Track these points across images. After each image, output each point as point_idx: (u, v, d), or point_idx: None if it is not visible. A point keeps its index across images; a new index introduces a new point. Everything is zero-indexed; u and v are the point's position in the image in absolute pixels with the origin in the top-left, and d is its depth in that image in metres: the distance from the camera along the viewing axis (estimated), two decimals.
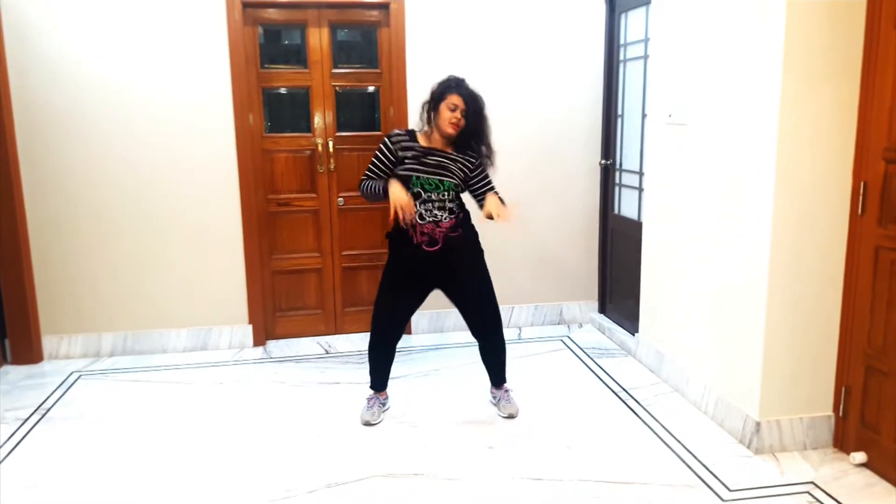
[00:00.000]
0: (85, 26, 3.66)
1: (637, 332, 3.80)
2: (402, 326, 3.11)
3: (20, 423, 3.13)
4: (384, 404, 3.16)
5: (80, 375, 3.68)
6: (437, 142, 2.92)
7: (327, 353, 3.99)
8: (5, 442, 2.94)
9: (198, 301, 4.00)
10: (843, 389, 2.73)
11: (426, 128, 2.95)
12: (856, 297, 2.64)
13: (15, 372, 3.74)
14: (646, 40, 3.72)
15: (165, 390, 3.48)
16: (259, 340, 4.10)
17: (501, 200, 2.96)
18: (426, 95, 2.96)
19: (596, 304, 4.47)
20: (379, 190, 2.90)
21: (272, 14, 3.91)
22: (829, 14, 2.49)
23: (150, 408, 3.27)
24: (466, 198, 3.05)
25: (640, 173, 3.85)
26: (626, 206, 4.10)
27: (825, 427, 2.78)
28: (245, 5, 3.79)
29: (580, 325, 4.43)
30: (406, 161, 2.89)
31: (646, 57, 3.70)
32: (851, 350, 2.68)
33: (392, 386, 3.29)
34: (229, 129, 3.86)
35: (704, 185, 3.04)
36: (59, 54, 3.66)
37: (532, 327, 4.39)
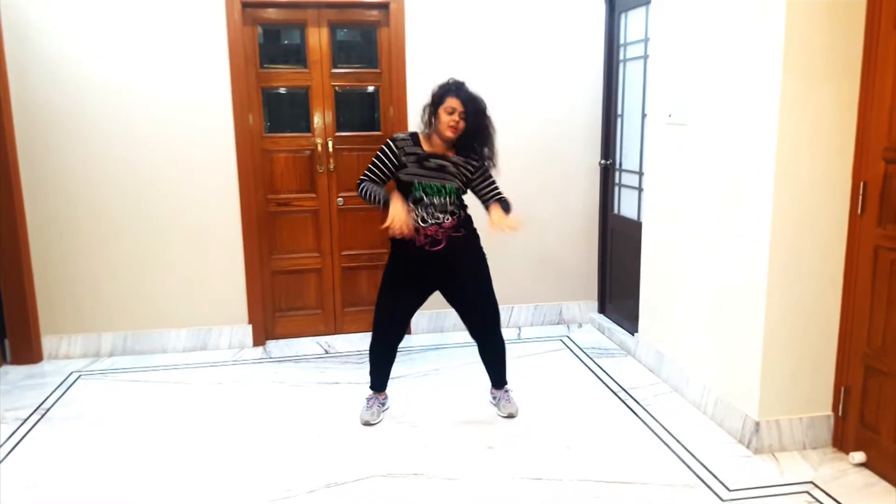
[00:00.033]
0: (85, 26, 3.66)
1: (636, 332, 3.81)
2: (404, 327, 3.11)
3: (20, 423, 3.13)
4: (383, 404, 3.16)
5: (79, 375, 3.68)
6: (439, 145, 2.92)
7: (327, 353, 3.99)
8: (5, 442, 2.94)
9: (197, 301, 4.00)
10: (843, 389, 2.73)
11: (427, 130, 2.95)
12: (855, 296, 2.64)
13: (15, 372, 3.74)
14: (646, 40, 3.72)
15: (165, 390, 3.48)
16: (259, 340, 4.11)
17: (507, 206, 2.95)
18: (427, 98, 2.96)
19: (595, 304, 4.47)
20: (379, 200, 2.88)
21: (271, 14, 3.91)
22: (828, 14, 2.49)
23: (149, 408, 3.27)
24: (468, 199, 3.04)
25: (640, 173, 3.85)
26: (626, 206, 4.10)
27: (824, 427, 2.79)
28: (244, 5, 3.79)
29: (580, 325, 4.43)
30: (408, 165, 2.89)
31: (645, 57, 3.70)
32: (851, 350, 2.68)
33: (392, 386, 3.29)
34: (229, 129, 3.86)
35: (704, 185, 3.04)
36: (58, 54, 3.66)
37: (532, 327, 4.39)
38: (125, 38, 3.70)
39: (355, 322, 4.28)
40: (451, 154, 2.93)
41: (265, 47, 3.98)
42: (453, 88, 2.87)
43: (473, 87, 2.93)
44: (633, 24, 3.91)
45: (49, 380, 3.62)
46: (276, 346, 4.10)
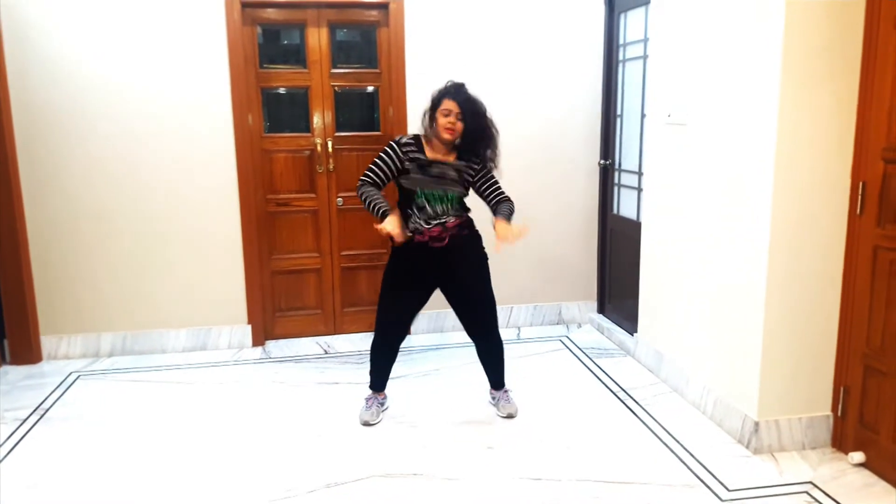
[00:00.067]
0: (84, 26, 3.66)
1: (636, 332, 3.81)
2: (406, 327, 3.11)
3: (19, 423, 3.13)
4: (382, 404, 3.16)
5: (79, 376, 3.68)
6: (440, 149, 2.92)
7: (326, 353, 3.99)
8: (4, 442, 2.94)
9: (197, 301, 4.00)
10: (842, 389, 2.73)
11: (428, 133, 2.95)
12: (854, 296, 2.64)
13: (14, 372, 3.74)
14: (645, 40, 3.72)
15: (165, 390, 3.48)
16: (258, 340, 4.10)
17: (510, 209, 2.95)
18: (427, 101, 2.96)
19: (595, 305, 4.47)
20: (377, 212, 2.85)
21: (271, 14, 3.91)
22: (828, 14, 2.49)
23: (149, 408, 3.27)
24: (471, 201, 3.04)
25: (639, 173, 3.85)
26: (625, 206, 4.10)
27: (824, 427, 2.79)
28: (244, 5, 3.79)
29: (579, 326, 4.43)
30: (410, 171, 2.89)
31: (645, 57, 3.70)
32: (850, 350, 2.68)
33: (391, 386, 3.29)
34: (228, 129, 3.86)
35: (703, 185, 3.04)
36: (58, 54, 3.66)
37: (531, 327, 4.39)
38: (125, 38, 3.70)
39: (355, 322, 4.28)
40: (452, 158, 2.93)
41: (265, 47, 3.98)
42: (451, 91, 2.87)
43: (473, 87, 2.93)
44: (632, 24, 3.91)
45: (48, 380, 3.62)
46: (275, 347, 4.10)
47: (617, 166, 4.16)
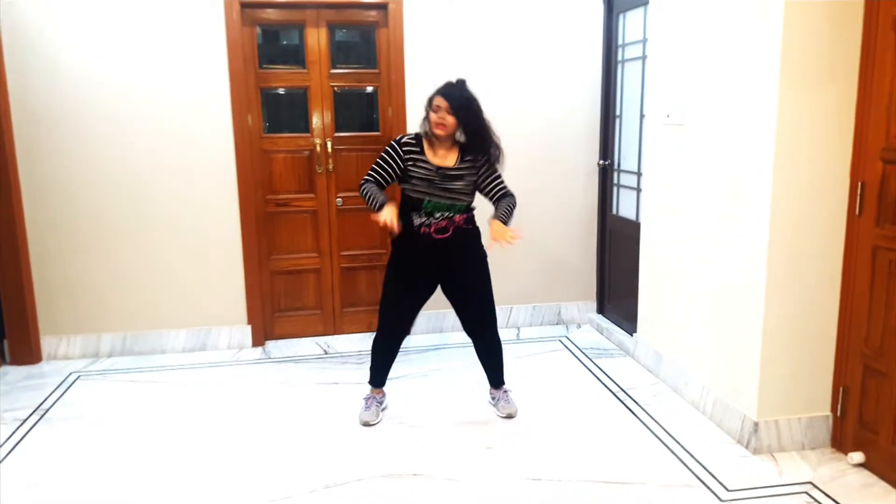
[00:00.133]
0: (84, 27, 3.66)
1: (635, 332, 3.81)
2: (409, 323, 3.12)
3: (19, 423, 3.13)
4: (381, 402, 3.16)
5: (79, 376, 3.68)
6: (440, 146, 2.92)
7: (326, 353, 3.99)
8: (4, 442, 2.94)
9: (197, 301, 4.00)
10: (841, 389, 2.73)
11: (426, 131, 2.95)
12: (854, 297, 2.64)
13: (14, 372, 3.74)
14: (644, 41, 3.72)
15: (164, 391, 3.48)
16: (258, 341, 4.11)
17: (511, 206, 2.97)
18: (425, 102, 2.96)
19: (594, 305, 4.47)
20: (375, 204, 2.88)
21: (270, 14, 3.91)
22: (827, 15, 2.49)
23: (149, 408, 3.27)
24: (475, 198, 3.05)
25: (639, 174, 3.85)
26: (625, 206, 4.10)
27: (823, 427, 2.79)
28: (243, 6, 3.79)
29: (578, 326, 4.43)
30: (415, 181, 2.89)
31: (644, 57, 3.70)
32: (849, 350, 2.68)
33: (391, 386, 3.30)
34: (228, 129, 3.86)
35: (703, 185, 3.04)
36: (58, 55, 3.66)
37: (530, 327, 4.39)
38: (125, 38, 3.70)
39: (354, 322, 4.28)
40: (454, 155, 2.92)
41: (264, 48, 3.98)
42: (441, 88, 2.89)
43: (473, 87, 2.93)
44: (631, 24, 3.91)
45: (48, 380, 3.62)
46: (275, 347, 4.10)
47: (616, 166, 4.17)
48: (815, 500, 2.43)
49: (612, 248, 4.27)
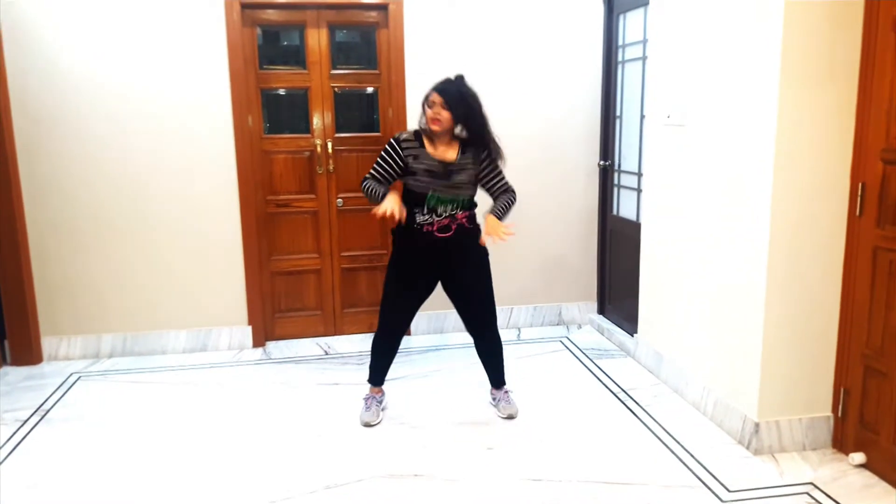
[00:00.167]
0: (85, 27, 3.66)
1: (636, 332, 3.81)
2: (408, 320, 3.12)
3: (20, 424, 3.13)
4: (381, 402, 3.16)
5: (79, 377, 3.68)
6: (439, 142, 2.92)
7: (326, 354, 3.99)
8: (5, 443, 2.94)
9: (197, 302, 4.00)
10: (842, 390, 2.73)
11: (424, 128, 2.96)
12: (854, 297, 2.64)
13: (14, 373, 3.74)
14: (644, 41, 3.72)
15: (165, 391, 3.48)
16: (258, 342, 4.10)
17: (509, 202, 2.99)
18: None
19: (595, 305, 4.47)
20: (380, 196, 2.90)
21: (271, 15, 3.91)
22: (827, 15, 2.50)
23: (149, 409, 3.27)
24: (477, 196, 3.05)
25: (639, 174, 3.85)
26: (625, 206, 4.10)
27: (824, 428, 2.79)
28: (244, 6, 3.80)
29: (579, 326, 4.43)
30: (418, 176, 2.89)
31: (644, 58, 3.70)
32: (850, 351, 2.68)
33: (392, 386, 3.29)
34: (228, 130, 3.86)
35: (703, 185, 3.04)
36: (58, 55, 3.66)
37: (531, 328, 4.39)
38: (125, 38, 3.70)
39: (355, 323, 4.28)
40: (454, 148, 2.92)
41: (264, 48, 3.98)
42: (437, 84, 2.89)
43: (473, 86, 2.93)
44: (631, 25, 3.91)
45: (49, 381, 3.62)
46: (275, 348, 4.10)
47: (616, 167, 4.17)
48: (816, 501, 2.43)
49: (613, 249, 4.27)
